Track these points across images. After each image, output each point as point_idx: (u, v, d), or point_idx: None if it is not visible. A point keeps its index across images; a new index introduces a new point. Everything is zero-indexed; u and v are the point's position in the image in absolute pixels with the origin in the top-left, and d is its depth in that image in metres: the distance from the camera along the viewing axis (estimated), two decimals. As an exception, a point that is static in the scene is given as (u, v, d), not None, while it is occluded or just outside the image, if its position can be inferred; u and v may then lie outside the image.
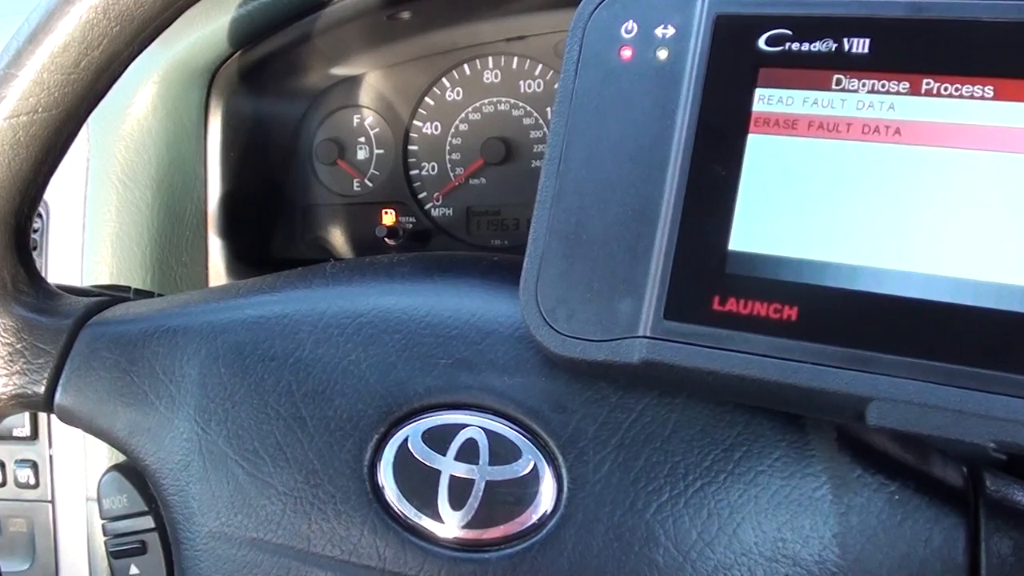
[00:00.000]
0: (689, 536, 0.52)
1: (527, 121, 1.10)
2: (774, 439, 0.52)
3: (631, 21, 0.52)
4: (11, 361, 0.61)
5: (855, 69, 0.47)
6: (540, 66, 1.10)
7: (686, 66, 0.50)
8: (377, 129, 1.16)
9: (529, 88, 1.10)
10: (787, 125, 0.48)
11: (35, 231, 1.00)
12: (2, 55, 0.58)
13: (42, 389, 0.62)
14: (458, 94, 1.13)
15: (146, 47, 0.60)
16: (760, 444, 0.52)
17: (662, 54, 0.51)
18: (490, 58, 1.12)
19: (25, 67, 0.57)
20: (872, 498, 0.50)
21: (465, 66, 1.13)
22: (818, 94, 0.48)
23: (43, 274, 0.94)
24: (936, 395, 0.44)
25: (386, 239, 1.15)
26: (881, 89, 0.46)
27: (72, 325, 0.63)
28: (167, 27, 0.60)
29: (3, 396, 0.62)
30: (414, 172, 1.16)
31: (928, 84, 0.46)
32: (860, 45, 0.47)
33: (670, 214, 0.49)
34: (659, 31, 0.51)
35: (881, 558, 0.50)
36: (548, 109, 1.09)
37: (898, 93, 0.46)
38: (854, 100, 0.47)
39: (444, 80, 1.13)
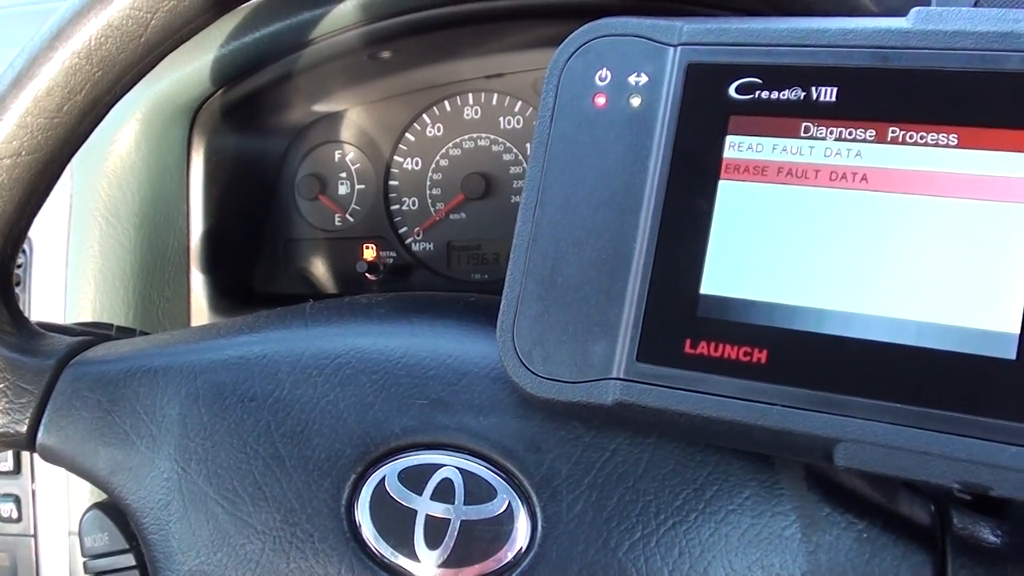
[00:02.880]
0: (661, 575, 0.52)
1: (507, 157, 1.11)
2: (744, 478, 0.53)
3: (605, 69, 0.53)
4: None
5: (823, 117, 0.48)
6: (519, 103, 1.10)
7: (659, 113, 0.51)
8: (358, 164, 1.17)
9: (508, 124, 1.11)
10: (757, 171, 0.49)
11: (19, 267, 1.00)
12: (-15, 99, 0.59)
13: (24, 428, 0.62)
14: (439, 130, 1.14)
15: (128, 91, 0.61)
16: (731, 483, 0.53)
17: (635, 101, 0.52)
18: (470, 95, 1.12)
19: (9, 111, 0.57)
20: (841, 536, 0.51)
21: (445, 103, 1.13)
22: (787, 141, 0.48)
23: (26, 309, 0.95)
24: (902, 437, 0.44)
25: (367, 274, 1.15)
26: (848, 137, 0.47)
27: (54, 365, 0.64)
28: (149, 71, 0.61)
29: None
30: (395, 207, 1.16)
31: (894, 132, 0.47)
32: (828, 94, 0.48)
33: (643, 258, 0.50)
34: (632, 79, 0.52)
35: None
36: (527, 145, 1.10)
37: (865, 141, 0.47)
38: (822, 147, 0.48)
39: (425, 116, 1.14)
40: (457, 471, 0.56)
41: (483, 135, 1.12)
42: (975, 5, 0.70)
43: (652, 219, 0.50)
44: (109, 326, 0.78)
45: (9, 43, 0.83)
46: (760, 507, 0.52)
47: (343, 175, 1.18)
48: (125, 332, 0.76)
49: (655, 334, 0.50)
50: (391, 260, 1.17)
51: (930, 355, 0.45)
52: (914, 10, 0.47)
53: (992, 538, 0.52)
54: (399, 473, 0.56)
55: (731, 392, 0.48)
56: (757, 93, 0.49)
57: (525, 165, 1.09)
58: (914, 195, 0.46)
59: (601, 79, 0.53)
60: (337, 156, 1.18)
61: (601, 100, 0.53)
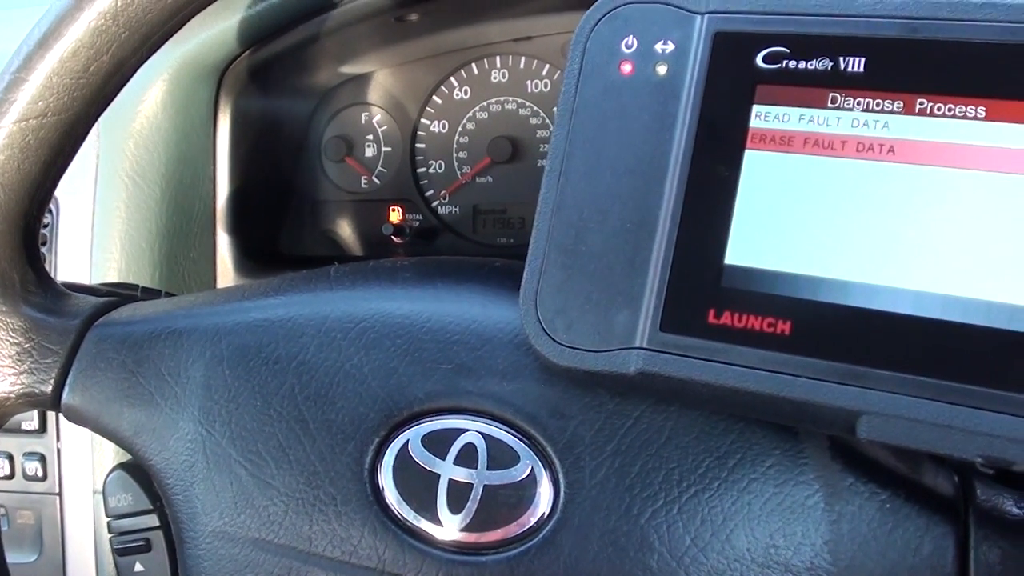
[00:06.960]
0: (683, 542, 0.52)
1: (534, 120, 1.11)
2: (768, 447, 0.53)
3: (631, 36, 0.52)
4: (19, 360, 0.62)
5: (850, 87, 0.48)
6: (547, 66, 1.10)
7: (685, 82, 0.51)
8: (385, 127, 1.17)
9: (536, 88, 1.11)
10: (783, 142, 0.48)
11: (45, 227, 1.00)
12: (12, 59, 0.58)
13: (49, 388, 0.62)
14: (466, 93, 1.14)
15: (155, 52, 0.61)
16: (754, 452, 0.53)
17: (661, 69, 0.51)
18: (498, 58, 1.12)
19: (35, 71, 0.57)
20: (863, 506, 0.51)
21: (473, 65, 1.13)
22: (814, 111, 0.48)
23: (52, 269, 0.96)
24: (925, 410, 0.44)
25: (393, 237, 1.15)
26: (875, 108, 0.47)
27: (79, 326, 0.64)
28: (175, 32, 0.61)
29: (11, 395, 0.62)
30: (421, 170, 1.16)
31: (921, 104, 0.46)
32: (855, 64, 0.48)
33: (667, 227, 0.50)
34: (659, 47, 0.52)
35: (871, 566, 0.50)
36: (555, 109, 1.09)
37: (892, 112, 0.47)
38: (849, 118, 0.47)
39: (452, 79, 1.14)
40: (480, 436, 0.56)
41: (510, 98, 1.12)
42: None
43: (677, 189, 0.50)
44: (135, 287, 0.78)
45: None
46: (783, 476, 0.52)
47: (370, 137, 1.18)
48: (150, 293, 0.76)
49: (679, 304, 0.49)
50: (417, 223, 1.17)
51: (955, 328, 0.44)
52: (945, -20, 0.47)
53: (1016, 510, 0.52)
54: (422, 437, 0.56)
55: (754, 363, 0.48)
56: (784, 63, 0.49)
57: (552, 129, 1.09)
58: (941, 167, 0.46)
59: (627, 46, 0.52)
60: (364, 118, 1.18)
61: (627, 67, 0.52)
